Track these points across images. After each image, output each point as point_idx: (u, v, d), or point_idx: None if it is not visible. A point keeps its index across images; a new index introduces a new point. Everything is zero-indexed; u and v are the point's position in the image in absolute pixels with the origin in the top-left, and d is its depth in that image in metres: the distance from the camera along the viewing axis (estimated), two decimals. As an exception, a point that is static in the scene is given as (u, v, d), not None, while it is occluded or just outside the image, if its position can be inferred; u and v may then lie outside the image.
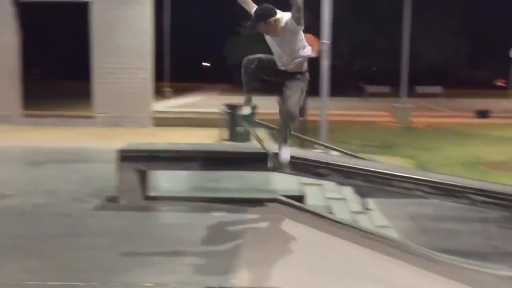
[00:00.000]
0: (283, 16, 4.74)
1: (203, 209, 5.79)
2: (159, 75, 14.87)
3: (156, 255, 4.41)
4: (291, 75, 5.02)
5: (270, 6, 4.82)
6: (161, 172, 6.49)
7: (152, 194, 6.27)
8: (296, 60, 4.94)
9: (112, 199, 6.01)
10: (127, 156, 5.88)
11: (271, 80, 5.13)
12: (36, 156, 9.13)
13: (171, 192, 6.62)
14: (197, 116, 19.00)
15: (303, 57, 4.97)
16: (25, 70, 14.17)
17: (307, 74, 5.11)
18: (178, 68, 41.40)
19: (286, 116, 4.94)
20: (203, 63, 73.89)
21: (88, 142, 10.97)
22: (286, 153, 5.05)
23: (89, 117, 13.92)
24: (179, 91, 39.57)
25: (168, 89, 35.26)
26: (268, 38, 4.95)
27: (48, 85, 33.09)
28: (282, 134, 5.09)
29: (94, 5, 13.36)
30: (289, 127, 5.02)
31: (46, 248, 4.50)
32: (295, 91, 4.97)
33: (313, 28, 11.19)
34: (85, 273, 4.00)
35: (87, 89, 14.01)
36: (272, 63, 5.03)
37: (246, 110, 5.34)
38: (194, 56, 68.93)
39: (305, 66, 5.07)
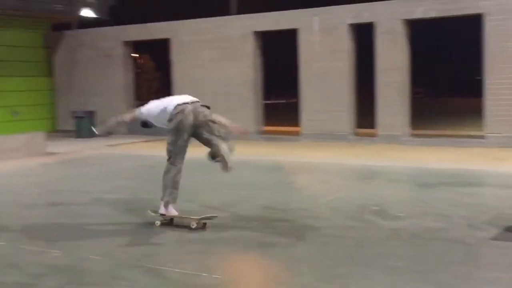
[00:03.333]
0: None
1: None
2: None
3: None
4: None
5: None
6: None
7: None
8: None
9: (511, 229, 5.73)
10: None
11: None
12: (425, 177, 9.34)
13: None
14: None
15: None
16: (411, 89, 14.72)
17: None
18: None
19: None
20: None
21: (479, 164, 10.73)
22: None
23: (479, 136, 13.64)
24: None
25: None
26: None
27: (433, 103, 33.70)
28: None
29: (488, 16, 13.09)
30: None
31: (441, 276, 4.52)
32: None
33: None
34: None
35: (475, 106, 13.76)
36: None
37: None
38: None
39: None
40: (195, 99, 6.44)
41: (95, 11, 18.67)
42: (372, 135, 14.61)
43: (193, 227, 6.09)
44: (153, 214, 6.38)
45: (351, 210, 6.97)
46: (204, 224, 6.22)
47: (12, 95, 17.85)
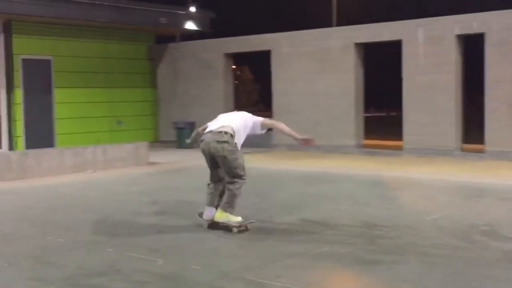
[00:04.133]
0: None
1: None
2: None
3: None
4: None
5: None
6: None
7: None
8: None
9: None
10: None
11: None
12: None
13: None
14: None
15: None
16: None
17: None
18: None
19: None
20: None
21: None
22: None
23: None
24: None
25: None
26: None
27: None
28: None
29: None
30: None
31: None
32: None
33: None
34: None
35: None
36: None
37: None
38: None
39: None
40: (224, 126, 6.78)
41: (197, 24, 19.23)
42: (480, 151, 14.08)
43: (235, 231, 6.66)
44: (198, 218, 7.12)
45: (459, 229, 6.74)
46: (246, 227, 6.75)
47: (118, 106, 18.66)
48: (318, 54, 16.29)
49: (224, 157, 6.66)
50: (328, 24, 22.96)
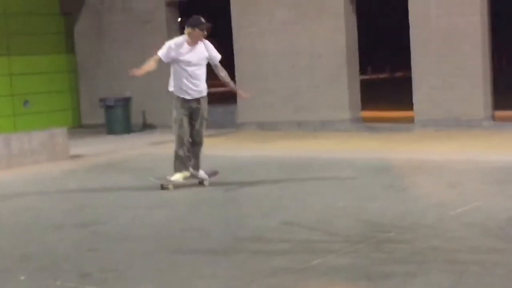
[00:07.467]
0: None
1: None
2: None
3: None
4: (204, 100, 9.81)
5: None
6: None
7: None
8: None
9: None
10: None
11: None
12: None
13: None
14: None
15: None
16: None
17: None
18: None
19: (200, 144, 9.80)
20: None
21: None
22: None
23: None
24: None
25: None
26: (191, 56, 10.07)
27: None
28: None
29: None
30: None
31: None
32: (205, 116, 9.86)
33: None
34: None
35: None
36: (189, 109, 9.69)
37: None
38: None
39: None
40: None
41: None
42: (517, 120, 14.27)
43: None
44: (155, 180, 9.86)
45: (495, 226, 6.84)
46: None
47: (22, 80, 18.38)
48: (294, -3, 16.24)
49: None
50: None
